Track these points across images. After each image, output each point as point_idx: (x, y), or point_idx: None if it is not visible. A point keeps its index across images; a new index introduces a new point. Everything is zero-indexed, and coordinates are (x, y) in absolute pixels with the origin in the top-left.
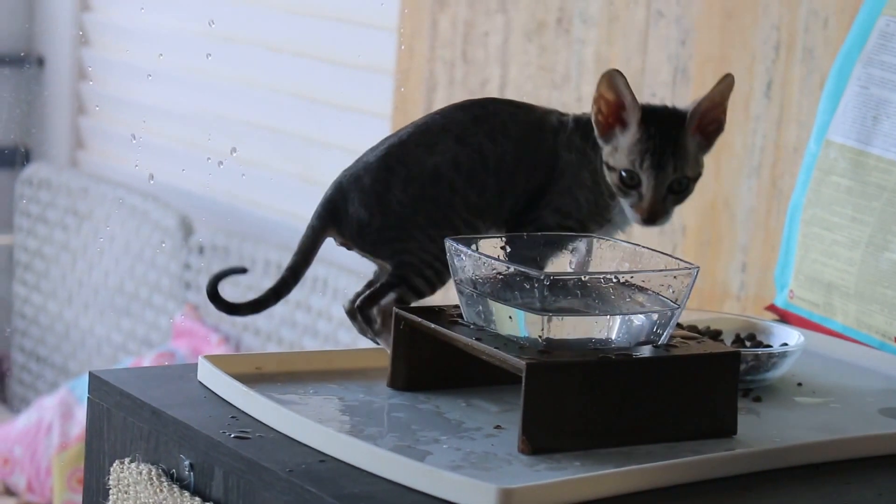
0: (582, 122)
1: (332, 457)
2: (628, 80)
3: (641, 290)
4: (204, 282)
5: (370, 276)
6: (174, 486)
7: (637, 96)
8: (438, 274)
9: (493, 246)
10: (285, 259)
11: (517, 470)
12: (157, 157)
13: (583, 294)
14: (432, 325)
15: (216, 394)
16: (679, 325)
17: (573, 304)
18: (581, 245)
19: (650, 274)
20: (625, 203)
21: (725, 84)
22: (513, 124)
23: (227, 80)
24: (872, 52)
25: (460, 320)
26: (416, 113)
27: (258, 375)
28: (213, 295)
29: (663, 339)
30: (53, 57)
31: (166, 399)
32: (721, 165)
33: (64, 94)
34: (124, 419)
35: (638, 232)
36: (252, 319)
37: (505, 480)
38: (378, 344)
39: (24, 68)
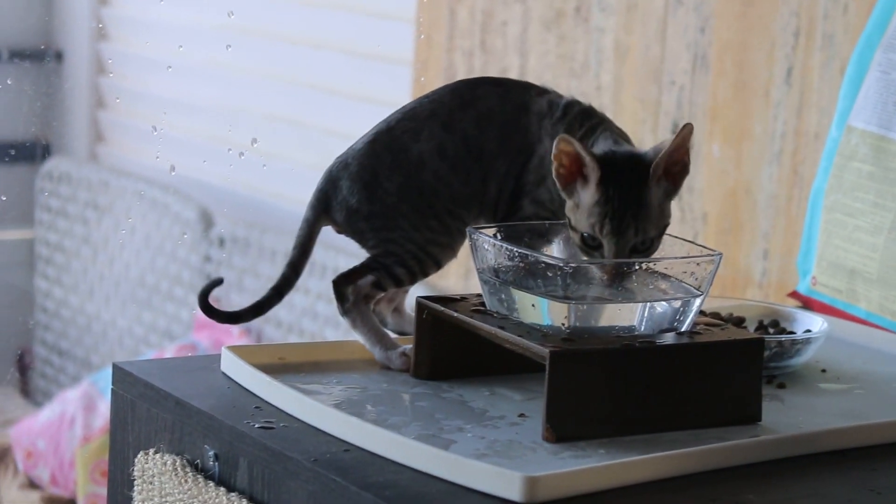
0: (570, 112)
1: (356, 446)
2: (651, 69)
3: (664, 277)
4: (225, 274)
5: None
6: (199, 476)
7: (656, 84)
8: (421, 264)
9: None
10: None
11: (541, 458)
12: (177, 149)
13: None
14: (455, 314)
15: (240, 384)
16: (702, 313)
17: (596, 292)
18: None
19: (673, 261)
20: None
21: (686, 131)
22: (499, 109)
23: (246, 72)
24: (893, 37)
25: (483, 309)
26: None
27: (281, 366)
28: (208, 309)
29: (687, 326)
30: (72, 51)
31: (190, 390)
32: (742, 153)
33: (83, 87)
34: (148, 410)
35: None
36: (273, 311)
37: (529, 468)
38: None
39: (43, 63)
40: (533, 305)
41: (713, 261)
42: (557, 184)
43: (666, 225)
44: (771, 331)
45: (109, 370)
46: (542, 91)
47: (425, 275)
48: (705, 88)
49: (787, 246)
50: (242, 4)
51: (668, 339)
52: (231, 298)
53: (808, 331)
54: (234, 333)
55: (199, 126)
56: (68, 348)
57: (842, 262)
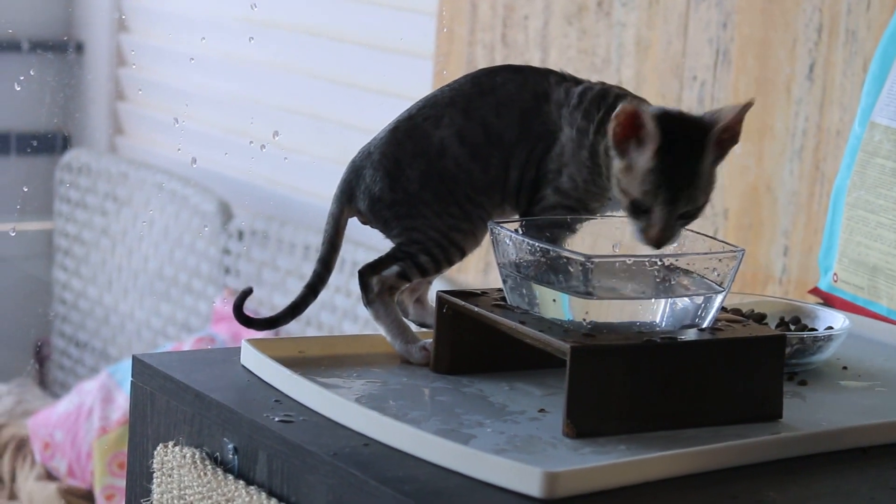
0: (586, 99)
1: (375, 440)
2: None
3: (686, 272)
4: (244, 267)
5: None
6: (218, 469)
7: (678, 80)
8: (445, 252)
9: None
10: None
11: (562, 453)
12: (197, 142)
13: (627, 277)
14: (476, 309)
15: (259, 377)
16: (723, 309)
17: (618, 288)
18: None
19: (695, 256)
20: (633, 223)
21: (747, 105)
22: (518, 96)
23: (267, 65)
24: None
25: (504, 304)
26: None
27: (301, 359)
28: (244, 319)
29: (708, 323)
30: (93, 43)
31: (209, 382)
32: (763, 149)
33: (103, 79)
34: (168, 402)
35: None
36: None
37: (550, 464)
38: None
39: (64, 54)
40: (554, 300)
41: (735, 257)
42: (611, 141)
43: (712, 191)
44: (792, 327)
45: (127, 362)
46: (560, 78)
47: (450, 262)
48: (727, 84)
49: (807, 243)
50: None
51: (690, 335)
52: None
53: (830, 328)
54: None
55: (219, 119)
56: (86, 340)
57: (864, 259)
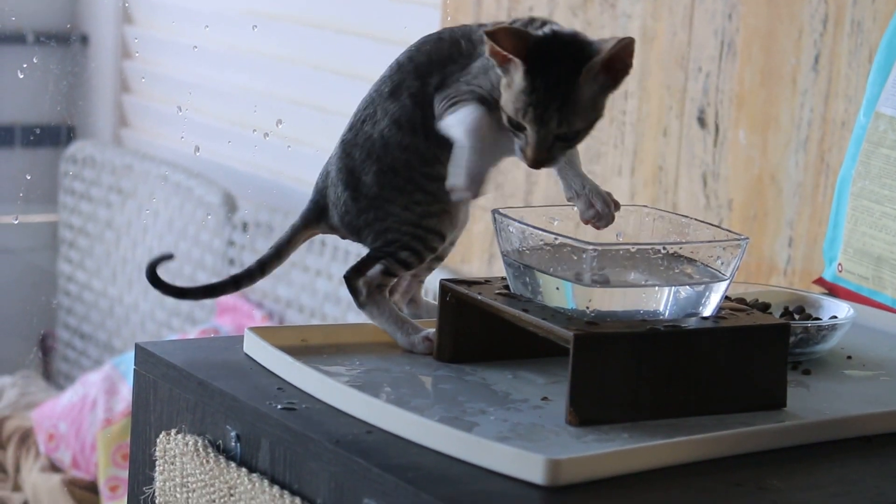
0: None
1: (378, 428)
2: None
3: (690, 261)
4: (248, 258)
5: None
6: (221, 457)
7: (683, 71)
8: (424, 241)
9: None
10: (329, 236)
11: (565, 441)
12: (201, 133)
13: (631, 265)
14: (479, 297)
15: (262, 365)
16: (727, 298)
17: (621, 276)
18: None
19: (699, 245)
20: (515, 142)
21: (627, 45)
22: (436, 49)
23: (270, 56)
24: None
25: (507, 292)
26: None
27: (304, 347)
28: (155, 281)
29: (712, 311)
30: (97, 34)
31: (212, 371)
32: (768, 140)
33: (108, 71)
34: (170, 391)
35: (683, 206)
36: (296, 296)
37: (553, 451)
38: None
39: (68, 46)
40: (557, 289)
41: (739, 245)
42: (491, 60)
43: (597, 118)
44: (797, 317)
45: (131, 354)
46: (479, 25)
47: (432, 250)
48: (732, 75)
49: (812, 234)
50: None
51: (693, 323)
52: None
53: (834, 317)
54: (257, 318)
55: (223, 110)
56: (91, 331)
57: (868, 249)
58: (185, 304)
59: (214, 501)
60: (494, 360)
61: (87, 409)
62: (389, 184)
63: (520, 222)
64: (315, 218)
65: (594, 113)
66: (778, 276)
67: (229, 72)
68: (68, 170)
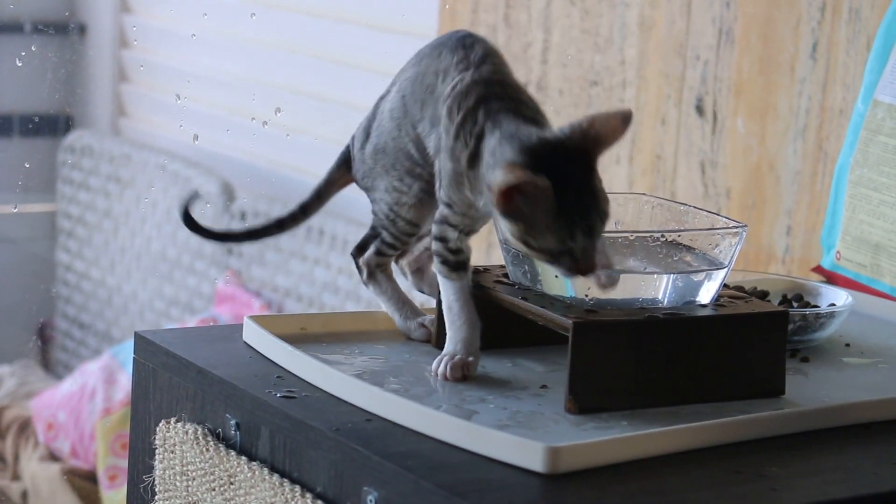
0: (450, 95)
1: (378, 416)
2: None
3: (689, 249)
4: (246, 248)
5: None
6: (220, 445)
7: (681, 59)
8: (396, 225)
9: None
10: (327, 224)
11: (564, 429)
12: (199, 122)
13: (630, 253)
14: (478, 285)
15: (262, 354)
16: (726, 286)
17: (620, 263)
18: None
19: (697, 233)
20: (557, 268)
21: (625, 115)
22: (428, 71)
23: (268, 45)
24: None
25: (506, 280)
26: None
27: (303, 336)
28: (193, 224)
29: (711, 299)
30: (95, 24)
31: (212, 359)
32: (766, 128)
33: (106, 60)
34: (170, 379)
35: (681, 194)
36: (295, 285)
37: (552, 439)
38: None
39: (66, 35)
40: (556, 276)
41: (738, 233)
42: (497, 212)
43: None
44: (795, 305)
45: (130, 343)
46: (463, 58)
47: (407, 235)
48: (730, 63)
49: (810, 222)
50: None
51: (692, 311)
52: (252, 272)
53: (833, 305)
54: (255, 307)
55: (221, 99)
56: (89, 321)
57: (866, 237)
58: (183, 294)
59: (214, 490)
60: (494, 348)
61: (85, 398)
62: (379, 161)
63: None
64: (346, 164)
65: (602, 186)
66: (776, 264)
67: (228, 60)
68: (66, 159)
